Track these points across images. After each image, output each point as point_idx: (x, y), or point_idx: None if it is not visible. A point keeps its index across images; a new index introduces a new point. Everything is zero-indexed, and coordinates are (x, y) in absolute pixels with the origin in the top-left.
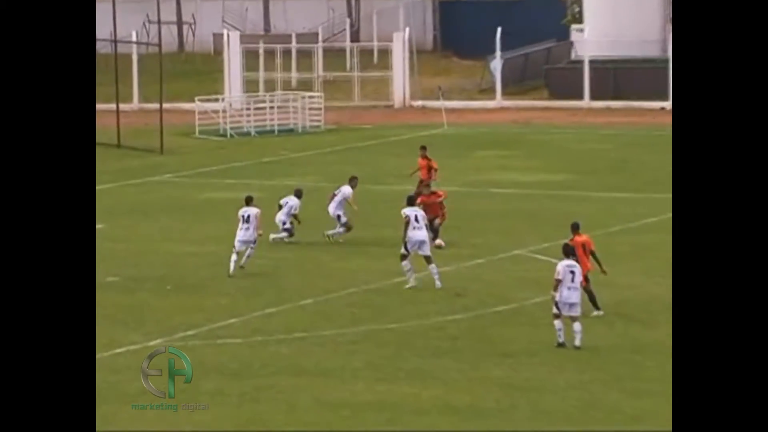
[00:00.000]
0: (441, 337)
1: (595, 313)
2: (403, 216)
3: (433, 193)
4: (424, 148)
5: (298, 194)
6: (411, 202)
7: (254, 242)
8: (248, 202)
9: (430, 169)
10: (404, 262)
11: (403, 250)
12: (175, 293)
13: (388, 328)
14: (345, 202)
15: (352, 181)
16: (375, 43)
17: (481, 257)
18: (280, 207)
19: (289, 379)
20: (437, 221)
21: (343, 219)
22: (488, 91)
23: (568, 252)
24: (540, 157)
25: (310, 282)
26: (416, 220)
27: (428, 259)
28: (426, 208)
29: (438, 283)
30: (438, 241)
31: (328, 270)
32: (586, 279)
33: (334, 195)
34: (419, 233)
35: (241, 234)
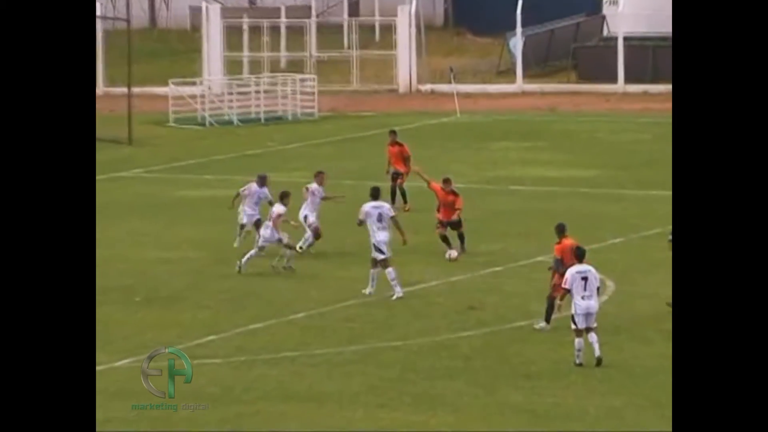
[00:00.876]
0: (452, 356)
1: (539, 325)
2: (360, 214)
3: (454, 192)
4: (393, 132)
5: (262, 182)
6: (375, 195)
7: (278, 241)
8: (282, 197)
9: (404, 157)
10: (374, 269)
11: (374, 254)
12: (145, 306)
13: (391, 346)
14: (318, 203)
15: (318, 177)
16: (377, 18)
17: (499, 264)
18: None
19: (277, 405)
20: (461, 229)
21: (310, 220)
22: (507, 74)
23: (580, 255)
24: (567, 149)
25: (302, 293)
26: (379, 219)
27: (385, 263)
28: (443, 207)
29: (399, 291)
30: (452, 253)
31: (322, 279)
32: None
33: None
34: (383, 234)
35: (262, 231)
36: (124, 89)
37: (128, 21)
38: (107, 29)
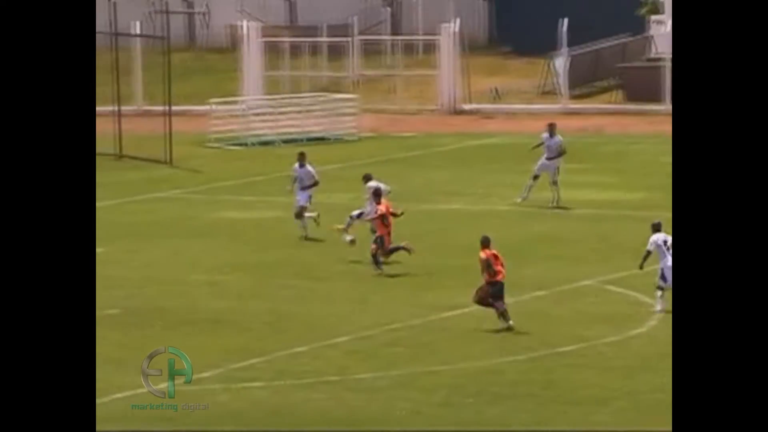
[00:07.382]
0: (498, 382)
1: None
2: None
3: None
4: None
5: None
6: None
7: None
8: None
9: None
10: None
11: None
12: (185, 328)
13: (434, 371)
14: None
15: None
16: (420, 37)
17: (544, 289)
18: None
19: (319, 430)
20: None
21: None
22: (551, 94)
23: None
24: (614, 171)
25: (345, 316)
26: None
27: None
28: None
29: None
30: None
31: (366, 302)
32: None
33: None
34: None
35: None
36: (164, 108)
37: (167, 39)
38: (145, 48)
